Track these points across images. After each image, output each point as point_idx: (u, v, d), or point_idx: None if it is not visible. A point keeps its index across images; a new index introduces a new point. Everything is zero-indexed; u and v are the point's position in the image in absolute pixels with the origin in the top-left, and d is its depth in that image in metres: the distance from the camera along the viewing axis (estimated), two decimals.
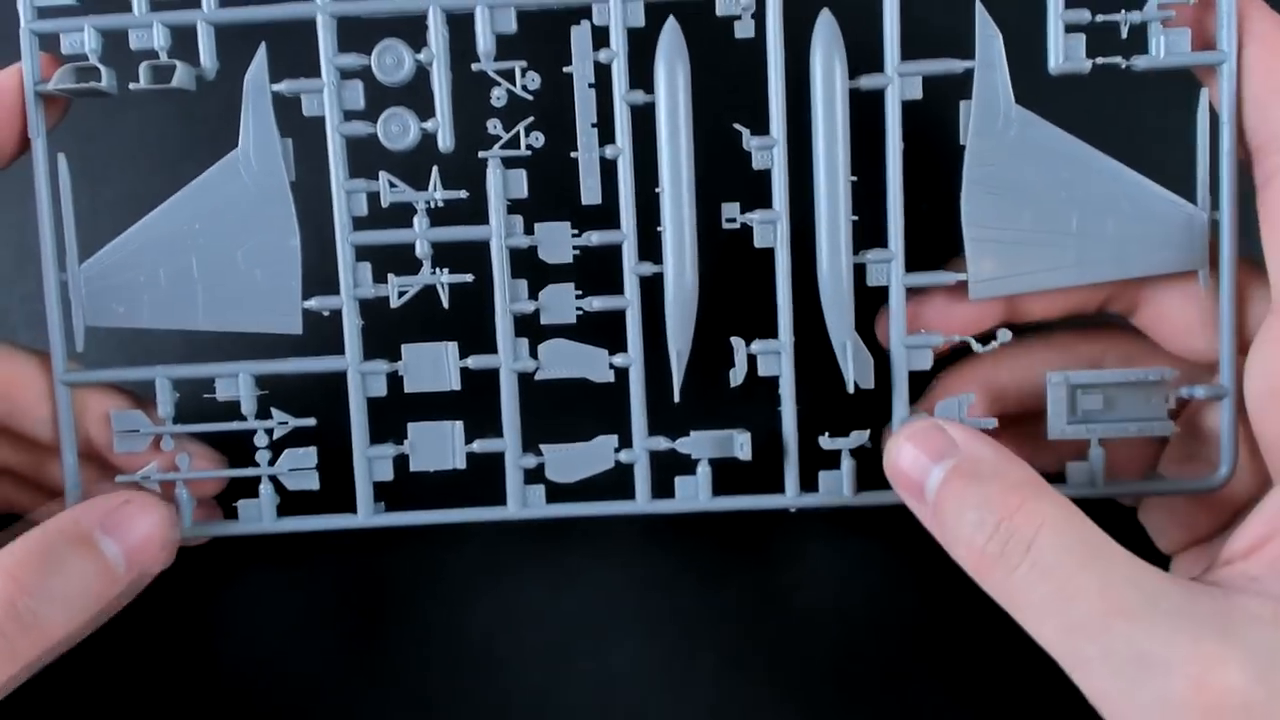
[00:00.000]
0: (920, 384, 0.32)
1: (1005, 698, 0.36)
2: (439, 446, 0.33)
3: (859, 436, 0.32)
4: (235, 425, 0.33)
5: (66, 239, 0.32)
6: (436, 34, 0.31)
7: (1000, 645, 0.33)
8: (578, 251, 0.32)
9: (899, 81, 0.31)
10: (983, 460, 0.29)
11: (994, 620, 0.28)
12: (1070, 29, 0.30)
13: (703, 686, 0.37)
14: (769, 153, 0.31)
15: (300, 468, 0.33)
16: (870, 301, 0.32)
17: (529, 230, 0.32)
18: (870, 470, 0.32)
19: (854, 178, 0.31)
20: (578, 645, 0.37)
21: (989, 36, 0.31)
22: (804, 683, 0.37)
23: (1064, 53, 0.30)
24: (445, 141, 0.31)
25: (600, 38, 0.31)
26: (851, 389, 0.32)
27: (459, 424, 0.32)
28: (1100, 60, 0.30)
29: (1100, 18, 0.30)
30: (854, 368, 0.31)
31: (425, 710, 0.37)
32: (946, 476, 0.29)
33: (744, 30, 0.31)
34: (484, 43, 0.31)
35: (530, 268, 0.32)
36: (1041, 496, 0.27)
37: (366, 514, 0.33)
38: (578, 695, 0.37)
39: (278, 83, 0.31)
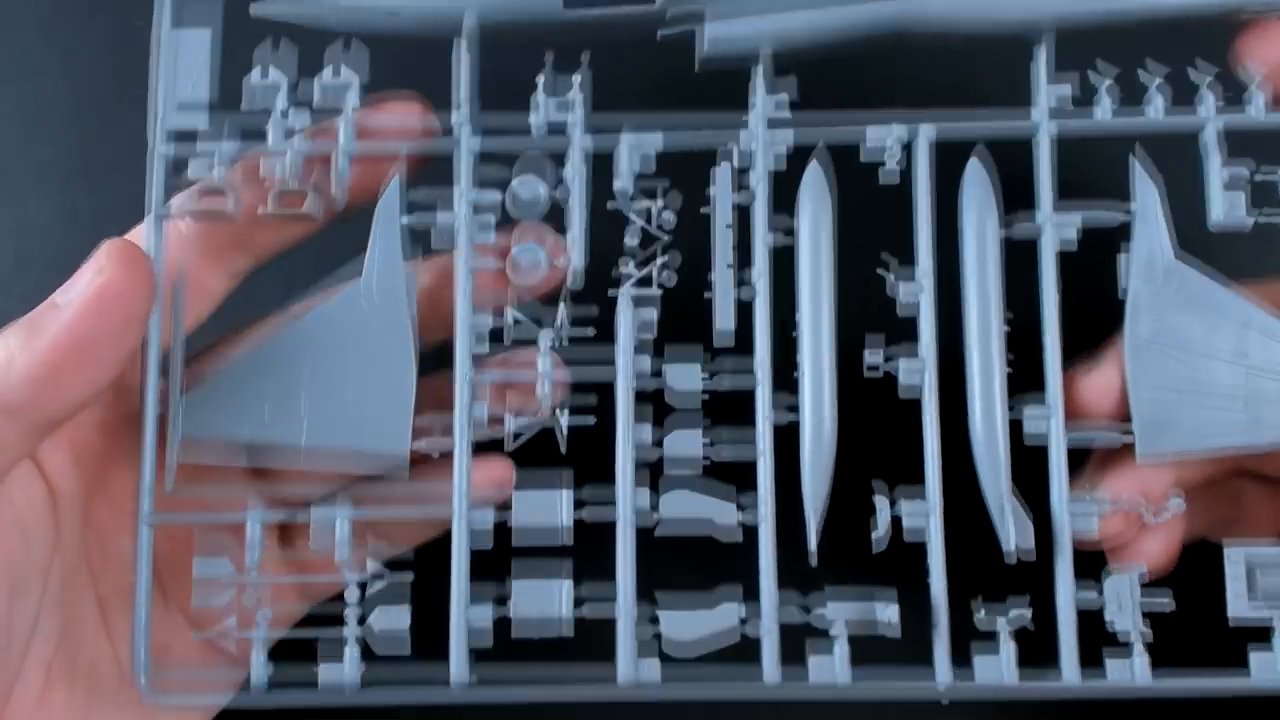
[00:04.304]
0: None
1: None
2: (545, 609, 0.29)
3: (1020, 615, 0.29)
4: (325, 578, 0.30)
5: (172, 371, 0.30)
6: (575, 170, 0.30)
7: None
8: (707, 395, 0.30)
9: (1054, 230, 0.29)
10: None
11: None
12: (1231, 184, 0.29)
13: None
14: (916, 297, 0.30)
15: (391, 629, 0.30)
16: (1025, 458, 0.29)
17: (657, 371, 0.30)
18: (1034, 648, 0.28)
19: (1009, 318, 0.29)
20: None
21: (1146, 187, 0.30)
22: None
23: (1225, 208, 0.29)
24: (576, 278, 0.30)
25: (742, 177, 0.30)
26: (1011, 558, 0.29)
27: (567, 584, 0.29)
28: (1262, 217, 0.29)
29: (1259, 176, 0.29)
30: (1013, 532, 0.29)
31: None
32: None
33: (890, 177, 0.30)
34: (622, 180, 0.30)
35: (657, 401, 0.30)
36: None
37: (462, 687, 0.29)
38: None
39: (410, 212, 0.30)
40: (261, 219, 0.30)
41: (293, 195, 0.30)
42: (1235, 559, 0.28)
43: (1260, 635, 0.28)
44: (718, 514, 0.29)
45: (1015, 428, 0.29)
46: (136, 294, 0.28)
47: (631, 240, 0.30)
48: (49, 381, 0.27)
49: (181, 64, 0.31)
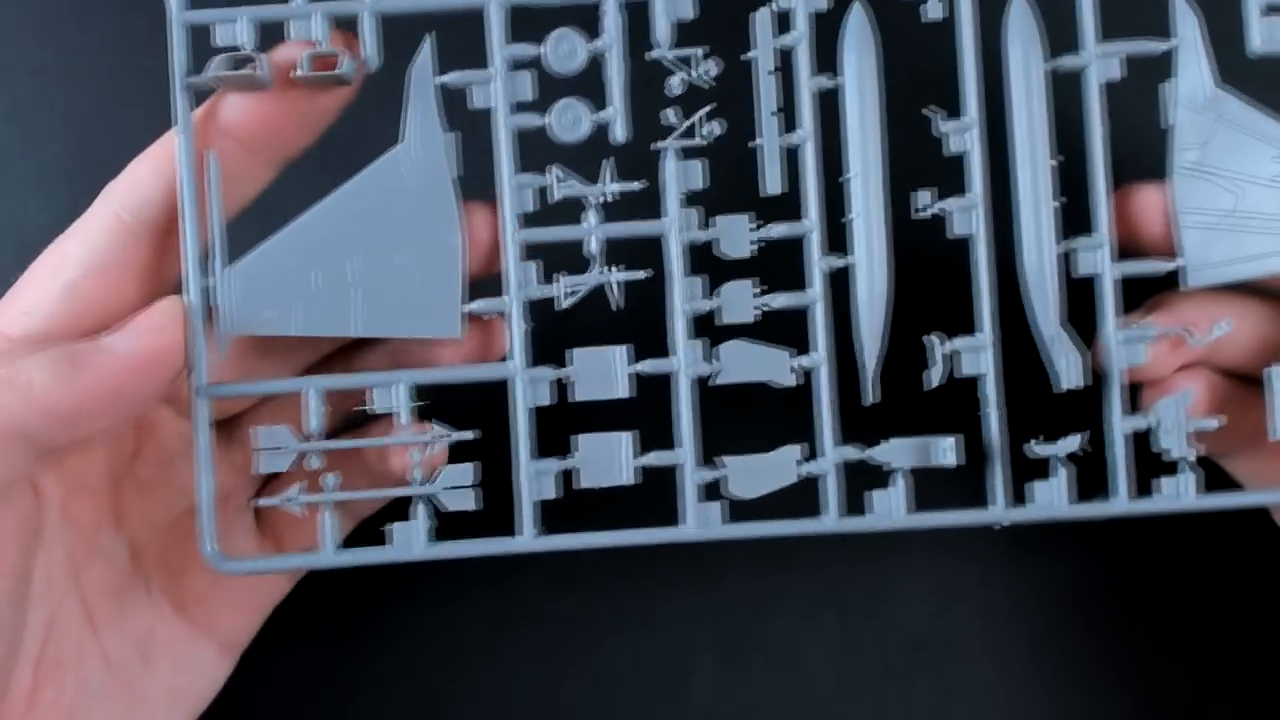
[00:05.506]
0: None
1: None
2: (609, 460, 0.30)
3: (1072, 441, 0.29)
4: (389, 440, 0.30)
5: (214, 242, 0.30)
6: (612, 21, 0.30)
7: None
8: (759, 245, 0.30)
9: (1099, 62, 0.29)
10: None
11: None
12: (1269, 10, 0.29)
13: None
14: (964, 136, 0.29)
15: (458, 485, 0.30)
16: (1075, 294, 0.30)
17: (707, 224, 0.30)
18: (1087, 477, 0.29)
19: (1058, 158, 0.29)
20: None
21: (1186, 16, 0.29)
22: None
23: (1262, 36, 0.29)
24: (619, 133, 0.30)
25: (783, 23, 0.30)
26: (1063, 388, 0.29)
27: (630, 435, 0.30)
28: None
29: None
30: (1065, 365, 0.29)
31: None
32: None
33: (934, 11, 0.29)
34: (661, 30, 0.30)
35: (708, 264, 0.30)
36: None
37: (530, 536, 0.30)
38: None
39: (444, 74, 0.30)
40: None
41: (325, 57, 0.29)
42: (1277, 379, 0.29)
43: None
44: (774, 360, 0.30)
45: (1065, 265, 0.29)
46: (178, 359, 0.28)
47: (674, 93, 0.30)
48: (69, 418, 0.27)
49: None
